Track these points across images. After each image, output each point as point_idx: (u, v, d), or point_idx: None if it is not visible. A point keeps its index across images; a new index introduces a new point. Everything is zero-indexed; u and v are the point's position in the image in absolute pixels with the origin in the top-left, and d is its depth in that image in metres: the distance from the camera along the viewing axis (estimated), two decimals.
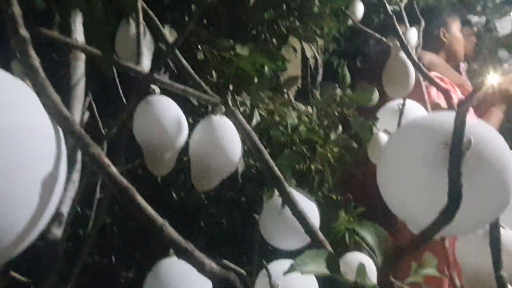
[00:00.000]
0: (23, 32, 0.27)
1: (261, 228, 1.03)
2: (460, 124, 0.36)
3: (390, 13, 0.69)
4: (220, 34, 1.07)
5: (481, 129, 0.39)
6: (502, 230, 0.54)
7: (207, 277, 0.27)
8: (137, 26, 0.68)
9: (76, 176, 0.72)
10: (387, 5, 0.69)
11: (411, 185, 0.40)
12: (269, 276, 0.86)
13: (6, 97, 0.24)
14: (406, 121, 0.44)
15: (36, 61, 0.26)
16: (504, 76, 1.79)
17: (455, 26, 1.90)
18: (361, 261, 0.60)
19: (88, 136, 0.24)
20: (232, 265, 1.02)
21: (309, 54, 1.41)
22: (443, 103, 1.52)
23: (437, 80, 0.61)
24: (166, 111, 0.65)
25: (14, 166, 0.23)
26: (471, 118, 0.41)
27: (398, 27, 0.68)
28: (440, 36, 1.83)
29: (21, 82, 0.26)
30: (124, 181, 0.25)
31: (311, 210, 0.98)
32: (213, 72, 1.02)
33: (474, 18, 3.10)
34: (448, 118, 0.38)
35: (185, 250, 0.26)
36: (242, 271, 0.98)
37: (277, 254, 1.02)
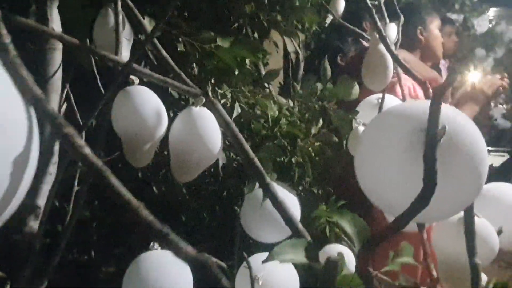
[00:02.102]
0: None
1: (242, 221, 1.03)
2: (435, 111, 0.37)
3: (370, 6, 0.69)
4: (201, 27, 1.06)
5: (456, 117, 0.40)
6: (476, 219, 0.55)
7: (183, 260, 0.27)
8: (116, 16, 0.67)
9: (53, 168, 0.70)
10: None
11: (387, 172, 0.40)
12: (250, 268, 0.86)
13: None
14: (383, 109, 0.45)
15: (7, 38, 0.26)
16: (481, 76, 1.84)
17: (434, 24, 1.93)
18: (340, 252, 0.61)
19: (61, 116, 0.23)
20: (213, 258, 1.01)
21: (290, 48, 1.41)
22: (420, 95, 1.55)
23: (415, 72, 0.62)
24: (145, 102, 0.65)
25: None
26: (446, 106, 0.42)
27: (377, 19, 0.68)
28: (417, 34, 1.85)
29: None
30: (99, 162, 0.24)
31: (292, 202, 0.99)
32: (194, 65, 1.02)
33: (453, 16, 3.16)
34: (424, 105, 0.38)
35: (161, 233, 0.26)
36: (223, 264, 0.99)
37: (258, 247, 1.03)
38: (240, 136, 0.68)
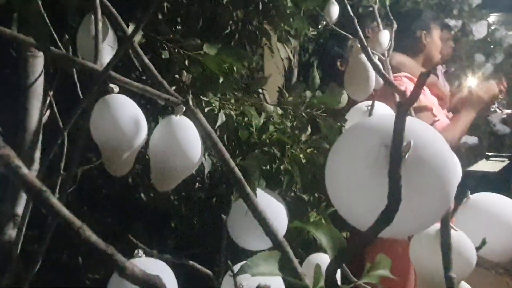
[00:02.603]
0: None
1: (229, 229, 1.03)
2: (399, 126, 0.36)
3: (351, 14, 0.69)
4: (190, 33, 1.06)
5: (423, 131, 0.39)
6: (453, 232, 0.54)
7: (129, 281, 0.26)
8: (96, 22, 0.67)
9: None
10: (348, 6, 0.69)
11: (353, 187, 0.40)
12: (234, 276, 0.86)
13: None
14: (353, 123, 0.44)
15: None
16: (480, 83, 1.85)
17: (436, 32, 1.95)
18: (323, 262, 0.61)
19: None
20: (198, 266, 1.01)
21: (283, 54, 1.41)
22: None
23: (395, 83, 0.61)
24: (123, 111, 0.64)
25: None
26: (412, 119, 0.41)
27: (358, 28, 0.68)
28: (421, 38, 1.87)
29: None
30: (37, 183, 0.24)
31: (278, 210, 0.98)
32: (184, 72, 1.01)
33: (451, 22, 3.15)
34: (390, 119, 0.38)
35: (105, 254, 0.26)
36: (209, 272, 0.98)
37: (246, 254, 1.02)
38: (221, 145, 0.67)
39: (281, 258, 0.52)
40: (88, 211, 1.21)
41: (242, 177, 0.67)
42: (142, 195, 1.18)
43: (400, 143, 0.36)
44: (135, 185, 1.18)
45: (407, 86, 1.66)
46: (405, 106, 0.36)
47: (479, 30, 3.48)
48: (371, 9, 1.52)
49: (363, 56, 0.71)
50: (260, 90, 1.42)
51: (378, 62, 0.69)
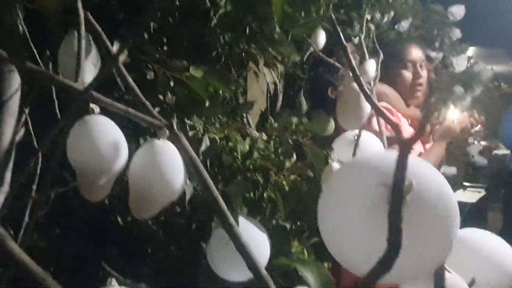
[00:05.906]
0: None
1: (208, 258, 0.99)
2: (402, 165, 0.34)
3: (344, 43, 0.68)
4: (176, 54, 1.03)
5: (424, 170, 0.37)
6: (447, 274, 0.52)
7: None
8: (79, 39, 0.64)
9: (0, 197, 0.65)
10: (341, 35, 0.68)
11: (350, 229, 0.37)
12: None
13: None
14: (348, 160, 0.41)
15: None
16: (451, 116, 1.86)
17: (401, 67, 1.92)
18: None
19: None
20: None
21: (269, 79, 1.40)
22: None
23: (388, 114, 0.59)
24: (103, 133, 0.61)
25: None
26: (413, 157, 0.39)
27: (351, 57, 0.66)
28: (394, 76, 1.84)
29: None
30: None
31: (260, 241, 0.95)
32: (168, 94, 0.98)
33: (432, 54, 3.21)
34: (389, 157, 0.36)
35: None
36: None
37: (224, 284, 0.98)
38: (205, 172, 0.64)
39: None
40: (61, 234, 1.15)
41: (225, 207, 0.64)
42: (119, 218, 1.13)
43: (402, 183, 0.34)
44: (112, 208, 1.13)
45: None
46: (408, 143, 0.34)
47: (459, 63, 3.54)
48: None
49: (355, 85, 0.69)
50: (244, 114, 1.39)
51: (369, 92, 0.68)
